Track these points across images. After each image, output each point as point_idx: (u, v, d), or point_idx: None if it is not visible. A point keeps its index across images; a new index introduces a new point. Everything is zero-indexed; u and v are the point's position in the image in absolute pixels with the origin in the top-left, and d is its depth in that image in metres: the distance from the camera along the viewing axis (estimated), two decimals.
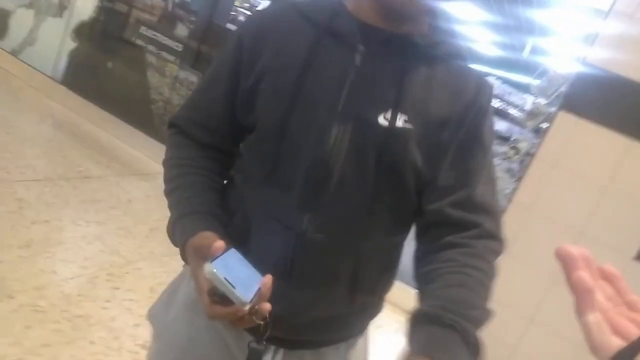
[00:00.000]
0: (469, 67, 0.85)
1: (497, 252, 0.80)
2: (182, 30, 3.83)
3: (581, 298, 0.40)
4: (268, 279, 0.68)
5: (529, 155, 2.90)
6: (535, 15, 6.92)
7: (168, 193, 0.88)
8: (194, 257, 0.75)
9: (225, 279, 0.62)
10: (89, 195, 2.87)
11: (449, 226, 0.79)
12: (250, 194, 0.85)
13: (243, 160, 0.90)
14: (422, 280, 0.78)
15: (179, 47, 3.82)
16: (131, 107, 3.97)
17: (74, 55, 4.32)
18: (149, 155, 3.70)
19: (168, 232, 0.86)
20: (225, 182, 0.92)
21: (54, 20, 4.38)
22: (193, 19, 3.79)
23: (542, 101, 2.97)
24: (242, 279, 0.65)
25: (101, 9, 4.21)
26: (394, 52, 0.79)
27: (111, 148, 3.75)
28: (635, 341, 0.38)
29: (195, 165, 0.88)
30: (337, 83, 0.78)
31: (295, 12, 0.84)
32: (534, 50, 8.23)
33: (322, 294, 0.82)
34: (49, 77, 4.32)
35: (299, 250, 0.79)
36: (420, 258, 0.82)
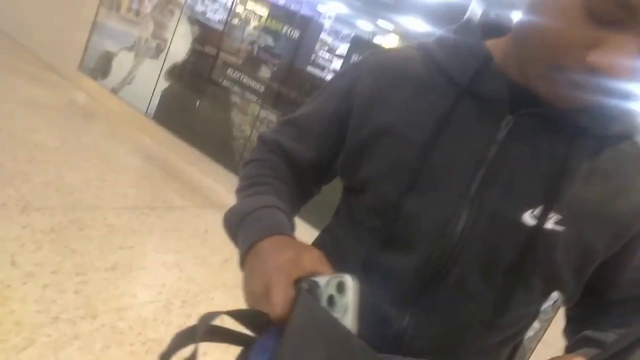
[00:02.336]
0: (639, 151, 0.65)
1: None
2: (265, 72, 4.03)
3: None
4: None
5: None
6: None
7: (247, 186, 0.74)
8: (310, 258, 0.58)
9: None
10: (172, 224, 3.04)
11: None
12: (343, 268, 0.72)
13: (340, 221, 0.76)
14: (582, 323, 0.70)
15: (261, 88, 4.03)
16: (214, 143, 4.20)
17: (166, 94, 4.67)
18: (228, 189, 3.88)
19: (232, 217, 0.70)
20: None
21: (151, 61, 4.78)
22: (276, 61, 3.99)
23: None
24: None
25: (193, 52, 4.54)
26: (551, 128, 0.61)
27: (194, 181, 3.97)
28: None
29: (283, 173, 0.77)
30: (473, 161, 0.62)
31: (431, 62, 0.68)
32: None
33: None
34: (142, 113, 4.68)
35: (391, 351, 0.64)
36: (579, 312, 0.74)
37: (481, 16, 0.69)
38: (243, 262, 0.65)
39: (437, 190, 0.63)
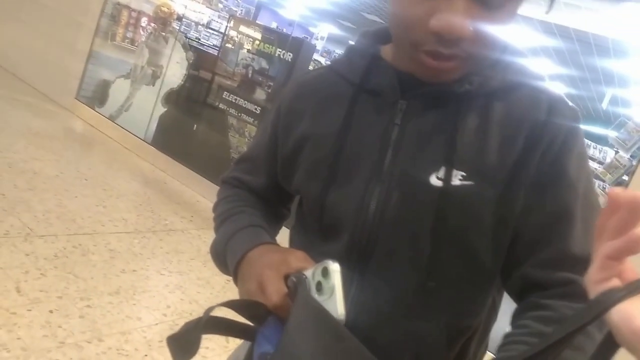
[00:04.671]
0: (537, 94, 0.67)
1: None
2: (260, 94, 4.10)
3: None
4: None
5: None
6: (614, 65, 6.73)
7: (223, 220, 0.82)
8: (295, 257, 0.67)
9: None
10: (173, 246, 3.07)
11: (536, 288, 0.64)
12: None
13: (295, 223, 0.84)
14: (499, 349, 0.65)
15: (257, 109, 4.09)
16: (213, 165, 4.25)
17: (163, 119, 4.73)
18: None
19: (217, 245, 0.79)
20: None
21: (147, 88, 4.85)
22: (270, 84, 4.06)
23: (622, 154, 2.86)
24: None
25: (188, 77, 4.62)
26: (439, 102, 0.67)
27: (194, 203, 4.01)
28: (630, 283, 0.40)
29: (251, 200, 0.86)
30: (378, 145, 0.69)
31: (332, 72, 0.77)
32: (614, 101, 7.93)
33: None
34: (140, 139, 4.74)
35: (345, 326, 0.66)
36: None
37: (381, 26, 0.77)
38: (236, 276, 0.73)
39: (352, 178, 0.70)
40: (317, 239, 0.74)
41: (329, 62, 0.82)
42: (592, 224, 0.57)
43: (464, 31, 0.57)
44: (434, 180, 0.65)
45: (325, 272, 0.59)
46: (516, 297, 0.68)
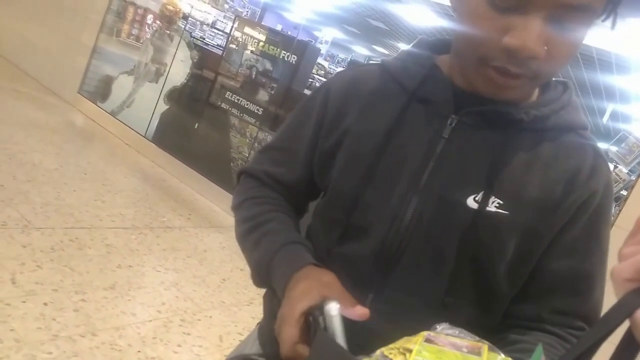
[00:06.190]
0: (584, 143, 0.70)
1: None
2: (263, 95, 4.11)
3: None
4: None
5: None
6: (616, 80, 6.75)
7: (253, 228, 0.78)
8: (318, 285, 0.64)
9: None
10: (170, 244, 3.06)
11: (544, 325, 0.69)
12: (318, 259, 0.75)
13: (312, 224, 0.83)
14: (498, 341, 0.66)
15: (259, 110, 4.10)
16: (213, 164, 4.25)
17: (165, 117, 4.73)
18: (226, 210, 3.91)
19: (259, 264, 0.75)
20: None
21: (150, 85, 4.86)
22: (273, 85, 4.06)
23: (622, 168, 2.87)
24: None
25: (191, 76, 4.62)
26: (491, 124, 0.68)
27: (192, 201, 4.00)
28: None
29: (281, 204, 0.83)
30: (422, 155, 0.69)
31: (386, 73, 0.77)
32: (614, 116, 7.93)
33: None
34: (141, 135, 4.74)
35: (359, 334, 0.63)
36: (498, 328, 0.71)
37: (435, 36, 0.78)
38: None
39: (390, 182, 0.70)
40: (339, 237, 0.73)
41: (374, 62, 0.83)
42: (605, 276, 0.70)
43: (538, 51, 0.57)
44: (471, 202, 0.66)
45: (327, 314, 0.58)
46: (512, 319, 0.72)
